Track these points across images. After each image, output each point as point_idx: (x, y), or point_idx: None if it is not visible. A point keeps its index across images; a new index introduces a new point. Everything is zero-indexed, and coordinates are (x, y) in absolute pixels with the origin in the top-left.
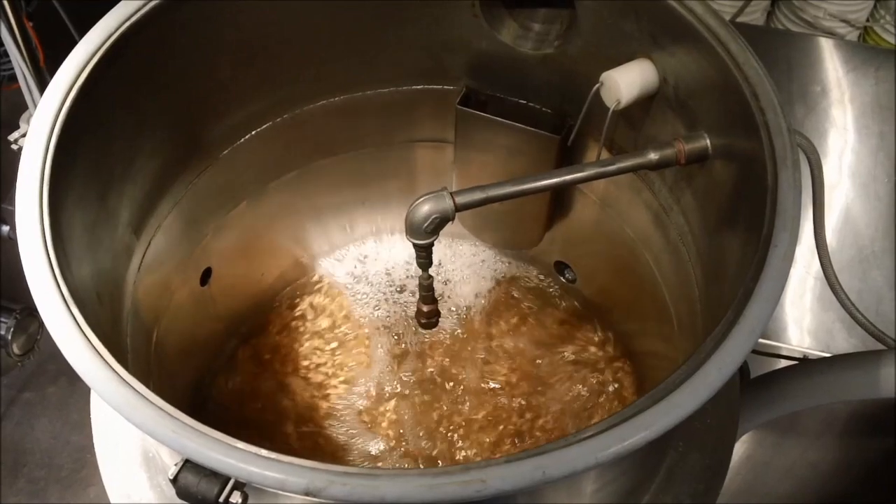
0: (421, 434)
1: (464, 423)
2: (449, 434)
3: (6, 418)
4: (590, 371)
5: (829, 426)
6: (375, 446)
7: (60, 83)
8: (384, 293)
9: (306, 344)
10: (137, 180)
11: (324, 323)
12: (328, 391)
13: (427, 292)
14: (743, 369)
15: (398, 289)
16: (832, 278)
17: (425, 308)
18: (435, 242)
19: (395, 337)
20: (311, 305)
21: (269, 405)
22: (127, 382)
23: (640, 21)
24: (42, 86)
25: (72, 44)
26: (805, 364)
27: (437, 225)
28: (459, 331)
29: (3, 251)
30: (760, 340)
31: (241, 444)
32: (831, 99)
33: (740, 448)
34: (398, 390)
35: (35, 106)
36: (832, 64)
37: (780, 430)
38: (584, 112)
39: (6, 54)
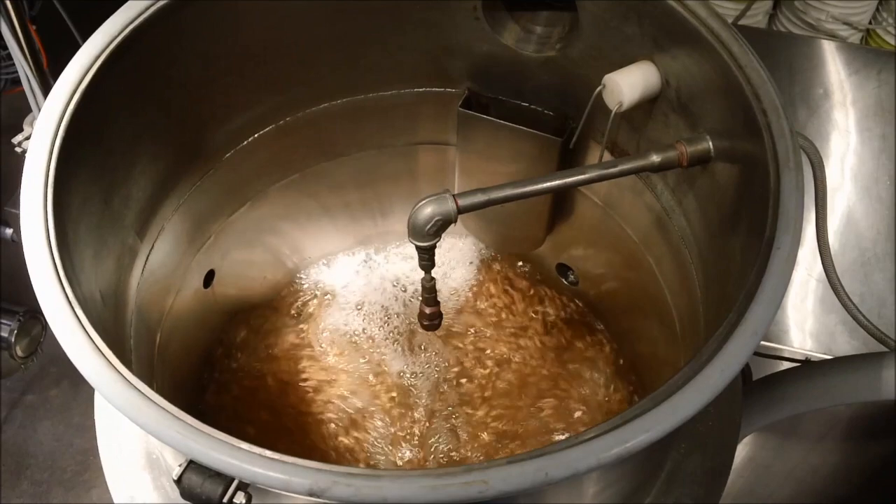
0: (420, 435)
1: (463, 425)
2: (448, 434)
3: (9, 421)
4: (592, 372)
5: (831, 429)
6: (375, 447)
7: (64, 86)
8: (386, 295)
9: (308, 346)
10: (141, 183)
11: (326, 324)
12: (330, 392)
13: (429, 294)
14: (745, 371)
15: (400, 291)
16: (835, 280)
17: (427, 310)
18: (437, 244)
19: (398, 338)
20: (314, 307)
21: (272, 406)
22: (131, 384)
23: (642, 24)
24: (45, 89)
25: (75, 47)
26: (807, 366)
27: (440, 227)
28: (461, 332)
29: (7, 254)
30: (762, 343)
31: (245, 445)
32: (833, 101)
33: (742, 450)
34: (399, 391)
35: (39, 109)
36: (834, 66)
37: (781, 433)
38: (586, 114)
39: (10, 57)
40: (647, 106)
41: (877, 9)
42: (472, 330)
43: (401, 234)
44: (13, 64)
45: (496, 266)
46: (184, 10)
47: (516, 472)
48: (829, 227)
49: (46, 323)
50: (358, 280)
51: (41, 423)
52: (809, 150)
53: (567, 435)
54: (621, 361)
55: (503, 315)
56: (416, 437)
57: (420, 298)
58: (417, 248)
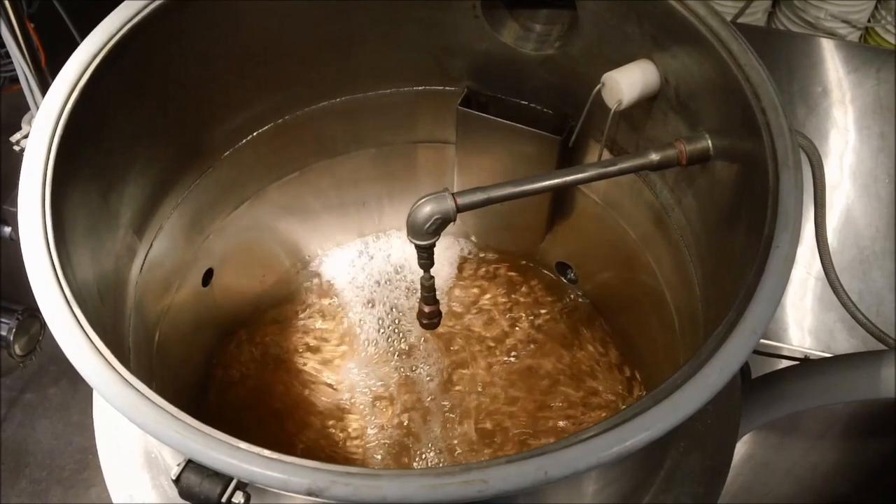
0: (418, 432)
1: (461, 424)
2: (446, 432)
3: (8, 419)
4: (591, 370)
5: (830, 427)
6: (376, 441)
7: (62, 84)
8: (385, 294)
9: (307, 344)
10: (140, 181)
11: (325, 323)
12: (329, 390)
13: (428, 293)
14: (744, 370)
15: (399, 289)
16: (833, 278)
17: (427, 308)
18: (436, 243)
19: (396, 337)
20: (313, 306)
21: (272, 405)
22: (129, 383)
23: (641, 22)
24: (44, 87)
25: (73, 45)
26: (806, 364)
27: (439, 226)
28: (460, 331)
29: (5, 252)
30: (761, 341)
31: (243, 445)
32: (832, 99)
33: (741, 448)
34: (398, 390)
35: (37, 107)
36: (833, 64)
37: (780, 431)
38: (586, 113)
39: (8, 55)
40: (647, 104)
41: (875, 7)
42: (470, 328)
43: (400, 231)
44: (11, 62)
45: (495, 264)
46: (183, 10)
47: (516, 472)
48: (828, 225)
49: (45, 321)
50: (357, 278)
51: (40, 422)
52: (808, 149)
53: (566, 434)
54: (620, 359)
55: (502, 313)
56: (417, 438)
57: (419, 297)
58: (416, 246)
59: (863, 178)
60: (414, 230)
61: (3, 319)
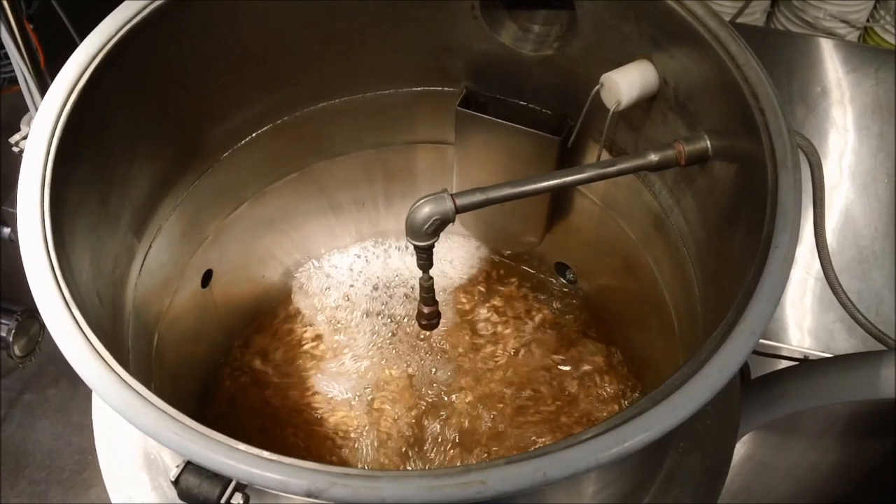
0: (417, 432)
1: (460, 425)
2: (445, 433)
3: (7, 420)
4: (590, 371)
5: (829, 427)
6: (375, 445)
7: (61, 85)
8: (385, 294)
9: (307, 344)
10: (139, 182)
11: (325, 324)
12: (328, 392)
13: (427, 294)
14: (743, 370)
15: (399, 290)
16: (832, 279)
17: (426, 309)
18: (435, 244)
19: (396, 338)
20: (312, 306)
21: (271, 406)
22: (128, 384)
23: (640, 23)
24: (43, 88)
25: (72, 46)
26: (805, 365)
27: (438, 226)
28: (459, 331)
29: (5, 253)
30: (761, 341)
31: (242, 446)
32: (831, 99)
33: (741, 449)
34: (397, 391)
35: (36, 108)
36: (832, 64)
37: (780, 431)
38: (585, 113)
39: (7, 56)
40: (646, 105)
41: (874, 7)
42: (469, 329)
43: (399, 232)
44: (10, 63)
45: (493, 265)
46: (183, 10)
47: (514, 473)
48: (827, 225)
49: (44, 322)
50: (355, 279)
51: (39, 422)
52: (807, 150)
53: (565, 434)
54: (619, 360)
55: (500, 314)
56: (416, 440)
57: (418, 298)
58: (415, 247)
59: (862, 178)
60: (413, 231)
61: (2, 320)
